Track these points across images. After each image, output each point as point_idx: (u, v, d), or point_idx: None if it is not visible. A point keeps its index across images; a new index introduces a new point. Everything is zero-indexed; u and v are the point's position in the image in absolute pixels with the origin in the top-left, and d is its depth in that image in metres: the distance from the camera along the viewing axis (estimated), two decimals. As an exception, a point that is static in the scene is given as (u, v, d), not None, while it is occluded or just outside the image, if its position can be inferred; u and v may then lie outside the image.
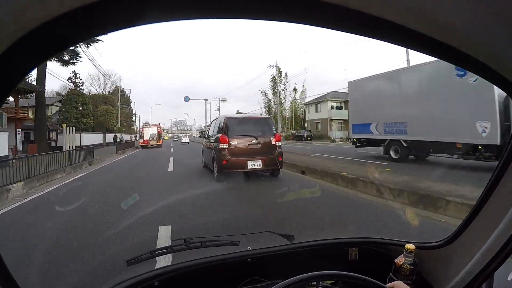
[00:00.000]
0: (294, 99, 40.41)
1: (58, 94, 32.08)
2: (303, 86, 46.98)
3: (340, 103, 33.75)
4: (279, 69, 39.20)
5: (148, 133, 23.65)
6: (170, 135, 56.64)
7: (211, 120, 8.77)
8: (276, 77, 39.69)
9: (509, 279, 0.77)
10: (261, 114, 10.86)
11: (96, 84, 39.50)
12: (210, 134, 7.66)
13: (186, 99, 27.61)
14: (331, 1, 0.35)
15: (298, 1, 0.35)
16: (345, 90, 29.43)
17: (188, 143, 30.87)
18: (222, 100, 30.10)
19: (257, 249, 1.03)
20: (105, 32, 0.37)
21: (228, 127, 6.31)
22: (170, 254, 1.75)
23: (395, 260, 0.85)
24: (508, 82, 0.49)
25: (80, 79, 35.15)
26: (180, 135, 45.92)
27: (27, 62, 0.37)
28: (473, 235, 0.73)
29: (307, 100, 38.94)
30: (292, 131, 36.06)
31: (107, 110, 29.31)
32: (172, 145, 26.63)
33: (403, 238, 1.02)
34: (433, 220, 3.62)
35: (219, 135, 6.39)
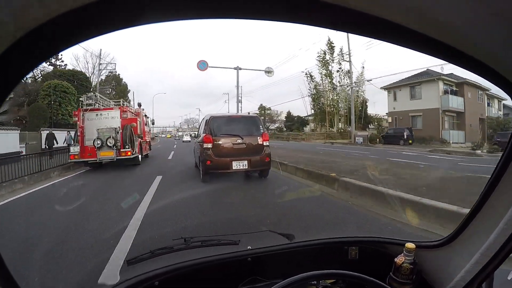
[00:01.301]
0: (348, 85, 28.12)
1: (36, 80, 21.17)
2: (362, 67, 35.09)
3: (452, 86, 20.34)
4: (331, 43, 29.35)
5: (94, 127, 9.03)
6: (180, 133, 55.10)
7: (201, 119, 8.48)
8: (327, 51, 29.53)
9: (509, 278, 0.77)
10: (248, 113, 10.62)
11: (82, 68, 27.86)
12: (199, 133, 7.48)
13: (202, 65, 16.16)
14: (331, 1, 0.35)
15: (298, 1, 0.35)
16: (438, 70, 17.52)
17: (189, 141, 30.69)
18: (267, 71, 18.63)
19: (257, 249, 1.03)
20: (105, 32, 0.37)
21: (212, 126, 6.14)
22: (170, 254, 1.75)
23: (395, 260, 0.85)
24: (508, 82, 0.49)
25: (62, 61, 25.68)
26: (182, 133, 45.53)
27: (27, 62, 0.37)
28: (473, 234, 0.73)
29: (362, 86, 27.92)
30: (377, 131, 24.44)
31: (55, 87, 16.89)
32: (170, 156, 12.79)
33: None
34: None
35: (204, 135, 6.24)
